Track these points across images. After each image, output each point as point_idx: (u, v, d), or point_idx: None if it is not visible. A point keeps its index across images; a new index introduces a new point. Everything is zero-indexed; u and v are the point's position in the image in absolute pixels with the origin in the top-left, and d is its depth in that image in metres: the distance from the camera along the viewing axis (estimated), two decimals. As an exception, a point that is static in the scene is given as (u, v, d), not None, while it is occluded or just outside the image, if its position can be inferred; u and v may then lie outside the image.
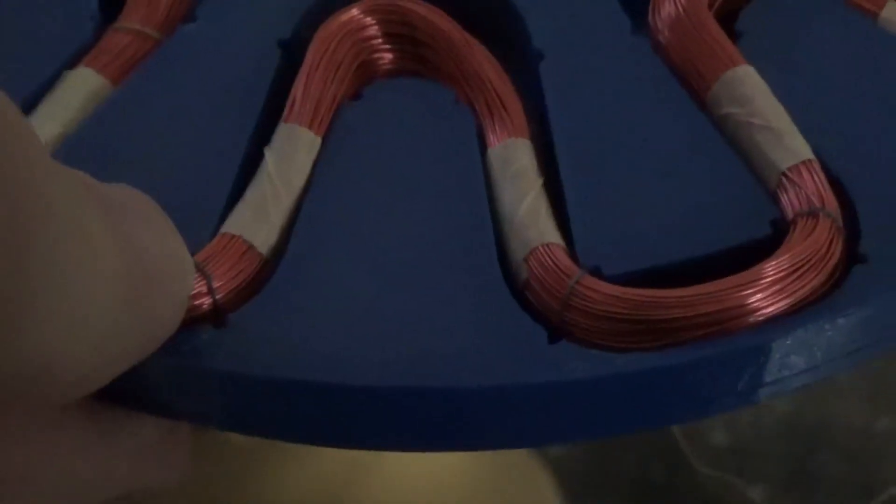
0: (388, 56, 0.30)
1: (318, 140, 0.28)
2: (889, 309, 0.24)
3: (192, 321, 0.25)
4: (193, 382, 0.25)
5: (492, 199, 0.27)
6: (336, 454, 0.29)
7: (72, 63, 0.30)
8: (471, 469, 0.42)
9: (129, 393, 0.25)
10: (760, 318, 0.24)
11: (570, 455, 0.51)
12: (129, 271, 0.21)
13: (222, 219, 0.26)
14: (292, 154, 0.27)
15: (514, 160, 0.27)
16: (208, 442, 0.37)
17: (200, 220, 0.26)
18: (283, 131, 0.28)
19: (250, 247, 0.26)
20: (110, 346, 0.21)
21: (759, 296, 0.24)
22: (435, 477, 0.39)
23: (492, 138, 0.28)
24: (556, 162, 0.27)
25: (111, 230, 0.21)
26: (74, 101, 0.29)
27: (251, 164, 0.27)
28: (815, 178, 0.26)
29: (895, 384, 0.50)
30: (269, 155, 0.27)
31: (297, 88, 0.28)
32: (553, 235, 0.26)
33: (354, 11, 0.29)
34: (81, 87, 0.29)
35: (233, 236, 0.26)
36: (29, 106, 0.29)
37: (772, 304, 0.24)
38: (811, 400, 0.50)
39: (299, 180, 0.27)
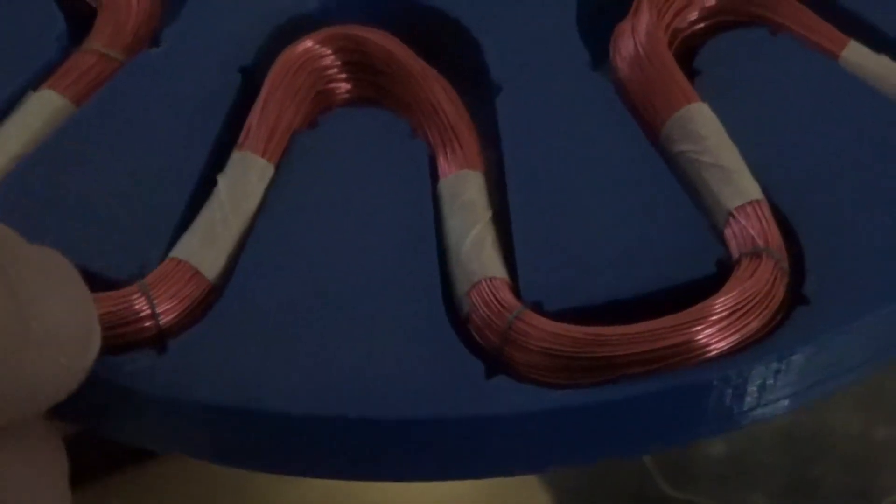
0: (345, 85, 0.30)
1: (272, 167, 0.28)
2: (831, 348, 0.24)
3: (135, 344, 0.25)
4: (133, 406, 0.25)
5: (440, 231, 0.27)
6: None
7: (38, 83, 0.30)
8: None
9: (69, 411, 0.25)
10: (701, 356, 0.24)
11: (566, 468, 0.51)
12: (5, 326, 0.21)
13: (172, 243, 0.26)
14: (244, 181, 0.27)
15: (463, 192, 0.27)
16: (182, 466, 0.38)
17: (150, 244, 0.27)
18: (236, 158, 0.28)
19: (196, 272, 0.26)
20: None
21: (702, 334, 0.24)
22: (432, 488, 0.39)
23: (444, 169, 0.28)
24: (507, 196, 0.27)
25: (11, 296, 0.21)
26: (35, 122, 0.29)
27: (205, 189, 0.28)
28: (762, 218, 0.26)
29: (892, 393, 0.50)
30: (222, 181, 0.27)
31: (253, 116, 0.28)
32: (497, 269, 0.26)
33: (310, 42, 0.30)
34: (43, 109, 0.29)
35: (180, 261, 0.26)
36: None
37: (715, 342, 0.24)
38: (808, 410, 0.50)
39: (250, 207, 0.27)
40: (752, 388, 0.24)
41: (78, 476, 0.25)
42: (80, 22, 0.32)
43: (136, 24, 0.31)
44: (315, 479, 0.25)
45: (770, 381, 0.24)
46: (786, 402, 0.25)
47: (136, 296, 0.25)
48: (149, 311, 0.25)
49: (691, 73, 0.29)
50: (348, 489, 0.40)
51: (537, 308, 0.25)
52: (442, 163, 0.28)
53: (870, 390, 0.51)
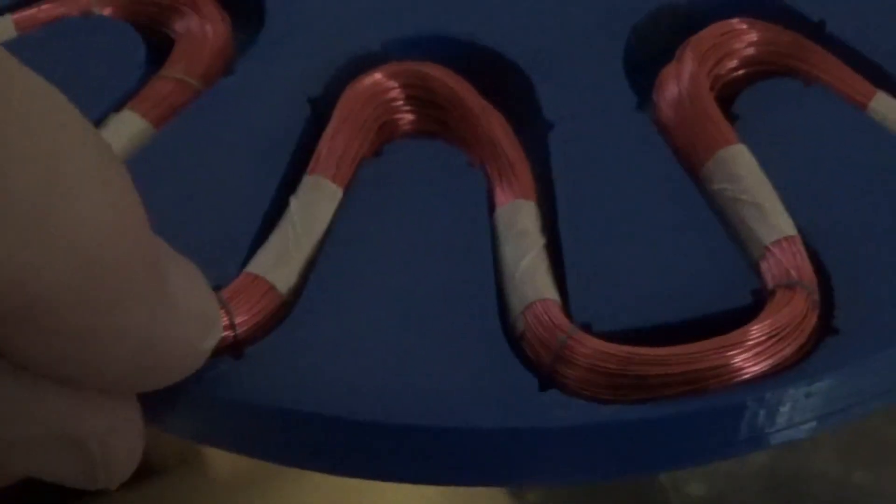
0: (409, 117, 0.32)
1: (340, 192, 0.30)
2: (856, 377, 0.26)
3: (215, 352, 0.26)
4: (211, 409, 0.27)
5: (496, 256, 0.29)
6: (321, 486, 0.31)
7: (119, 107, 0.32)
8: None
9: (150, 411, 0.27)
10: (739, 379, 0.26)
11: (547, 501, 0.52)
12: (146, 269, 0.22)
13: (247, 259, 0.28)
14: (315, 203, 0.29)
15: (518, 221, 0.29)
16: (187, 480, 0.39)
17: (227, 259, 0.28)
18: (308, 182, 0.30)
19: (271, 287, 0.28)
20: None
21: (739, 358, 0.26)
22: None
23: (500, 198, 0.30)
24: (558, 225, 0.29)
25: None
26: (118, 141, 0.31)
27: (277, 210, 0.29)
28: (796, 253, 0.28)
29: (870, 437, 0.51)
30: (294, 203, 0.29)
31: (323, 143, 0.30)
32: (549, 292, 0.28)
33: (379, 75, 0.32)
34: (125, 130, 0.31)
35: (256, 276, 0.28)
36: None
37: (750, 366, 0.26)
38: (787, 453, 0.50)
39: (320, 228, 0.29)
40: (784, 410, 0.26)
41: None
42: (158, 49, 0.34)
43: (211, 53, 0.33)
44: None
45: (800, 404, 0.26)
46: (813, 424, 0.26)
47: (215, 308, 0.27)
48: (227, 322, 0.27)
49: (730, 117, 0.31)
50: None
51: (587, 329, 0.27)
52: (498, 193, 0.30)
53: (849, 434, 0.51)
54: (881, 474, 0.50)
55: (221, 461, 0.46)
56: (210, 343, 0.25)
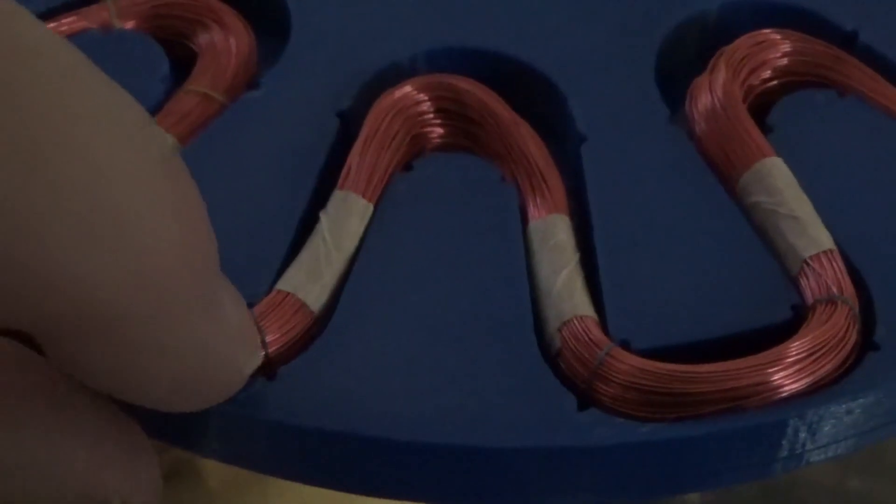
0: (439, 131, 0.32)
1: (371, 207, 0.29)
2: (898, 395, 0.26)
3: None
4: (243, 429, 0.26)
5: (530, 271, 0.28)
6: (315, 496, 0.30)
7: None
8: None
9: (180, 432, 0.26)
10: (778, 397, 0.25)
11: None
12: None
13: (278, 276, 0.28)
14: (346, 219, 0.29)
15: (552, 235, 0.29)
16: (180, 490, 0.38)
17: (257, 276, 0.28)
18: (338, 197, 0.29)
19: (303, 304, 0.27)
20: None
21: (778, 375, 0.25)
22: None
23: (533, 213, 0.29)
24: (592, 238, 0.29)
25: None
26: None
27: (307, 225, 0.29)
28: (835, 267, 0.27)
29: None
30: (325, 218, 0.29)
31: (353, 158, 0.30)
32: (586, 309, 0.27)
33: (408, 88, 0.31)
34: (150, 146, 0.31)
35: (287, 294, 0.27)
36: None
37: (790, 383, 0.25)
38: None
39: (351, 244, 0.29)
40: (824, 428, 0.25)
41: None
42: (182, 62, 0.33)
43: (235, 67, 0.33)
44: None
45: (841, 422, 0.25)
46: (854, 441, 0.26)
47: (246, 326, 0.27)
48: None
49: (764, 128, 0.31)
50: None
51: (625, 346, 0.27)
52: (531, 207, 0.30)
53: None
54: (876, 482, 0.50)
55: (214, 471, 0.45)
56: (252, 366, 0.24)
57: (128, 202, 0.20)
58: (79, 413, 0.24)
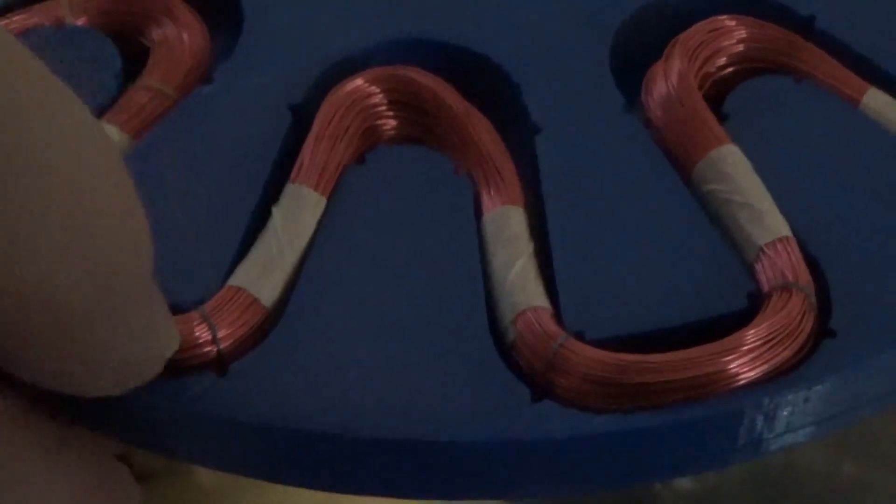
0: (392, 123, 0.31)
1: (323, 200, 0.29)
2: (855, 381, 0.26)
3: (197, 368, 0.26)
4: (194, 425, 0.26)
5: (484, 263, 0.28)
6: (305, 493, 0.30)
7: (97, 117, 0.31)
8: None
9: (134, 430, 0.26)
10: (735, 385, 0.25)
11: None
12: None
13: (230, 271, 0.28)
14: (298, 212, 0.29)
15: (506, 227, 0.29)
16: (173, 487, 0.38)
17: (209, 272, 0.28)
18: (290, 190, 0.29)
19: (255, 300, 0.27)
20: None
21: (734, 364, 0.25)
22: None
23: (487, 205, 0.29)
24: (547, 230, 0.29)
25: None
26: (95, 154, 0.30)
27: (259, 220, 0.29)
28: (791, 254, 0.27)
29: (858, 430, 0.51)
30: (277, 212, 0.29)
31: (306, 151, 0.30)
32: (540, 300, 0.27)
33: (360, 80, 0.31)
34: (102, 142, 0.30)
35: (239, 289, 0.27)
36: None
37: (746, 371, 0.25)
38: None
39: (304, 238, 0.28)
40: (782, 416, 0.25)
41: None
42: (134, 58, 0.33)
43: (188, 61, 0.32)
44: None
45: (798, 409, 0.25)
46: (812, 430, 0.26)
47: (197, 322, 0.26)
48: (209, 337, 0.26)
49: (720, 116, 0.30)
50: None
51: (580, 337, 0.26)
52: (485, 199, 0.29)
53: (837, 427, 0.52)
54: (869, 466, 0.50)
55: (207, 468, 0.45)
56: (171, 350, 0.25)
57: (87, 206, 0.21)
58: (71, 465, 0.25)
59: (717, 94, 0.31)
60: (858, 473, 0.50)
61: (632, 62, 0.32)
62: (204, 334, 0.26)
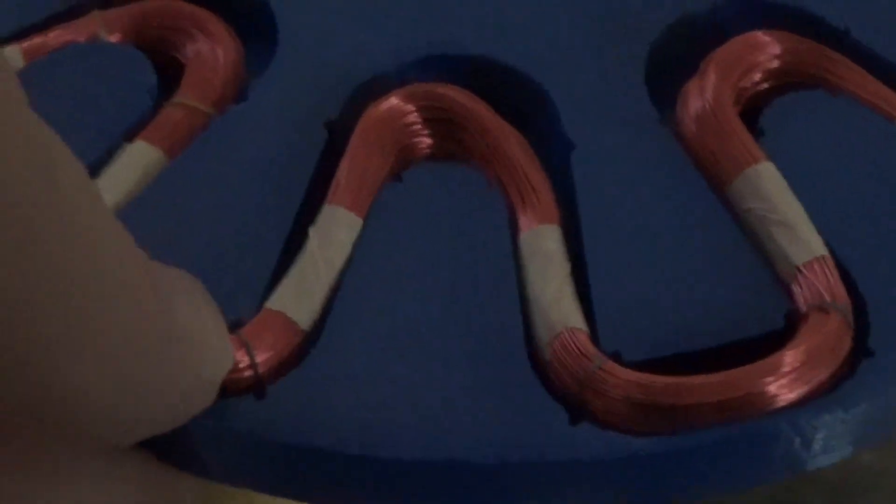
0: (427, 140, 0.31)
1: (360, 221, 0.29)
2: (892, 400, 0.26)
3: (235, 390, 0.26)
4: (233, 446, 0.26)
5: (521, 282, 0.28)
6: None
7: (131, 134, 0.31)
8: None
9: (172, 450, 0.26)
10: (773, 406, 0.25)
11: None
12: (164, 331, 0.23)
13: (266, 293, 0.28)
14: (335, 234, 0.29)
15: (543, 246, 0.29)
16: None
17: (246, 294, 0.28)
18: (326, 212, 0.29)
19: (292, 322, 0.27)
20: (138, 390, 0.23)
21: (773, 386, 0.25)
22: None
23: (523, 223, 0.29)
24: (582, 248, 0.29)
25: (154, 290, 0.23)
26: (132, 173, 0.30)
27: (295, 240, 0.29)
28: (828, 274, 0.27)
29: None
30: (313, 234, 0.29)
31: (342, 172, 0.30)
32: (577, 320, 0.27)
33: (395, 99, 0.31)
34: (138, 160, 0.31)
35: (276, 312, 0.27)
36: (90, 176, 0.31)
37: (785, 392, 0.25)
38: None
39: (340, 259, 0.28)
40: (819, 436, 0.25)
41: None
42: (169, 74, 0.33)
43: (222, 78, 0.32)
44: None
45: (836, 430, 0.25)
46: (849, 449, 0.26)
47: (236, 347, 0.26)
48: (248, 362, 0.26)
49: (755, 131, 0.30)
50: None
51: (616, 357, 0.26)
52: (521, 216, 0.29)
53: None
54: (887, 454, 0.50)
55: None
56: (222, 372, 0.25)
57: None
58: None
59: (754, 109, 0.31)
60: (876, 460, 0.50)
61: (667, 73, 0.32)
62: (243, 359, 0.26)
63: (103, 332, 0.21)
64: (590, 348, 0.26)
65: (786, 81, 0.32)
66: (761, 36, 0.32)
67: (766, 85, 0.32)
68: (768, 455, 0.25)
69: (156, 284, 0.23)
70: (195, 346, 0.24)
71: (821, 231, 0.28)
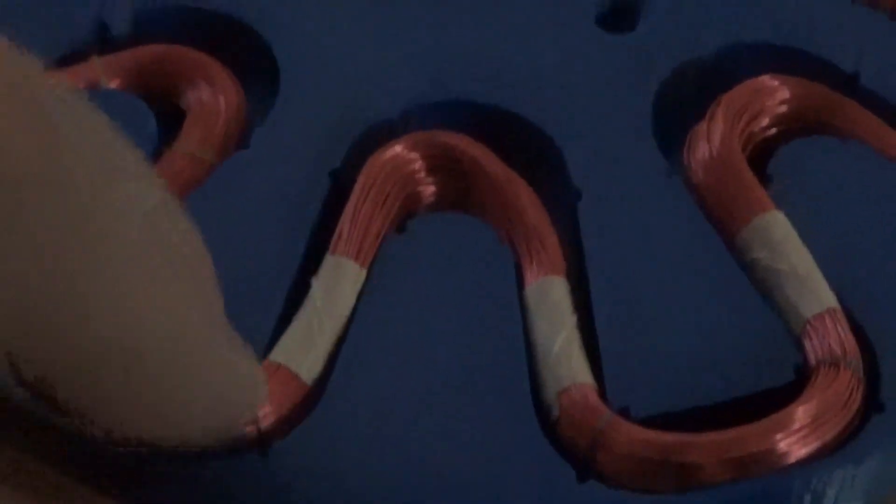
0: (432, 189, 0.31)
1: (364, 272, 0.29)
2: (904, 457, 0.25)
3: (238, 447, 0.26)
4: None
5: (527, 335, 0.28)
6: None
7: (129, 182, 0.31)
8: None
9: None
10: (783, 463, 0.25)
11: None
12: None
13: (269, 346, 0.27)
14: (338, 285, 0.28)
15: (549, 298, 0.28)
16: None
17: (248, 344, 0.27)
18: (329, 263, 0.29)
19: (295, 376, 0.27)
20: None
21: (783, 442, 0.25)
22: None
23: (529, 275, 0.29)
24: (590, 299, 0.28)
25: None
26: (131, 222, 0.30)
27: (298, 291, 0.29)
28: (839, 327, 0.27)
29: None
30: (316, 285, 0.28)
31: (345, 221, 0.29)
32: (584, 375, 0.27)
33: (399, 147, 0.31)
34: (139, 209, 0.30)
35: (279, 365, 0.27)
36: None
37: (795, 449, 0.25)
38: None
39: (344, 311, 0.28)
40: (831, 493, 0.25)
41: None
42: (169, 121, 0.33)
43: (224, 125, 0.32)
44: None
45: (847, 485, 0.25)
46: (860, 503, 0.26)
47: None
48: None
49: (764, 178, 0.30)
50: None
51: (625, 413, 0.26)
52: (527, 268, 0.29)
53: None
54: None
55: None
56: (260, 399, 0.25)
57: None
58: None
59: (763, 154, 0.31)
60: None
61: (674, 118, 0.32)
62: (244, 414, 0.26)
63: None
64: (597, 404, 0.26)
65: (795, 126, 0.31)
66: (769, 80, 0.31)
67: (774, 130, 0.31)
68: (777, 513, 0.25)
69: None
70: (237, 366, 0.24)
71: (831, 282, 0.28)
